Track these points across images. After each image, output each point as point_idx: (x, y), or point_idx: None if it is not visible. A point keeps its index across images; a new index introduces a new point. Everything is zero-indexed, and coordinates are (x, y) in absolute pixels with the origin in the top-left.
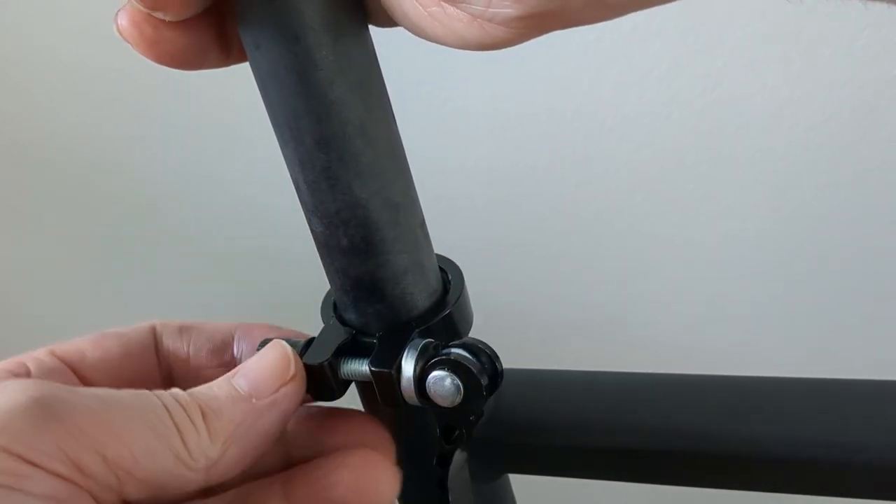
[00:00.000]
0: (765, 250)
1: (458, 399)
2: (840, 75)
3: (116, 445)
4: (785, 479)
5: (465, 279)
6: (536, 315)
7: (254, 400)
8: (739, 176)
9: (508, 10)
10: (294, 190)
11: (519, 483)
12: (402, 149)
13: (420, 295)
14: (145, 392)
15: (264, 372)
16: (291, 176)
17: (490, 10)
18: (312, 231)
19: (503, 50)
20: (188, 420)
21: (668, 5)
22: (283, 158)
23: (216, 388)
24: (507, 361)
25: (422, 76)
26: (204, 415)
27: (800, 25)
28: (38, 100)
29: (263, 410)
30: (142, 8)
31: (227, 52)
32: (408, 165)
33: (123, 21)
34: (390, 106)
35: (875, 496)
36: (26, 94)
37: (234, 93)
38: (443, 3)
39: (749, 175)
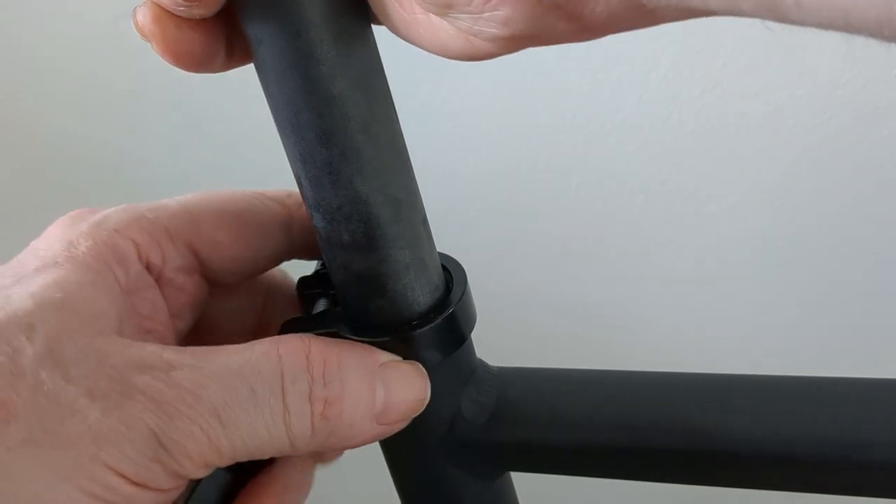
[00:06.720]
0: (765, 250)
1: None
2: (840, 75)
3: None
4: (785, 478)
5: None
6: (537, 314)
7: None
8: (739, 176)
9: (494, 30)
10: (296, 186)
11: (520, 481)
12: (404, 144)
13: (422, 291)
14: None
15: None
16: (293, 171)
17: (476, 27)
18: (314, 227)
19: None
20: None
21: None
22: (284, 154)
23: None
24: (508, 360)
25: (422, 77)
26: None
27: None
28: (38, 102)
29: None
30: None
31: (231, 54)
32: (410, 161)
33: (145, 18)
34: (392, 102)
35: (875, 494)
36: (25, 97)
37: (234, 94)
38: (428, 13)
39: (749, 175)
